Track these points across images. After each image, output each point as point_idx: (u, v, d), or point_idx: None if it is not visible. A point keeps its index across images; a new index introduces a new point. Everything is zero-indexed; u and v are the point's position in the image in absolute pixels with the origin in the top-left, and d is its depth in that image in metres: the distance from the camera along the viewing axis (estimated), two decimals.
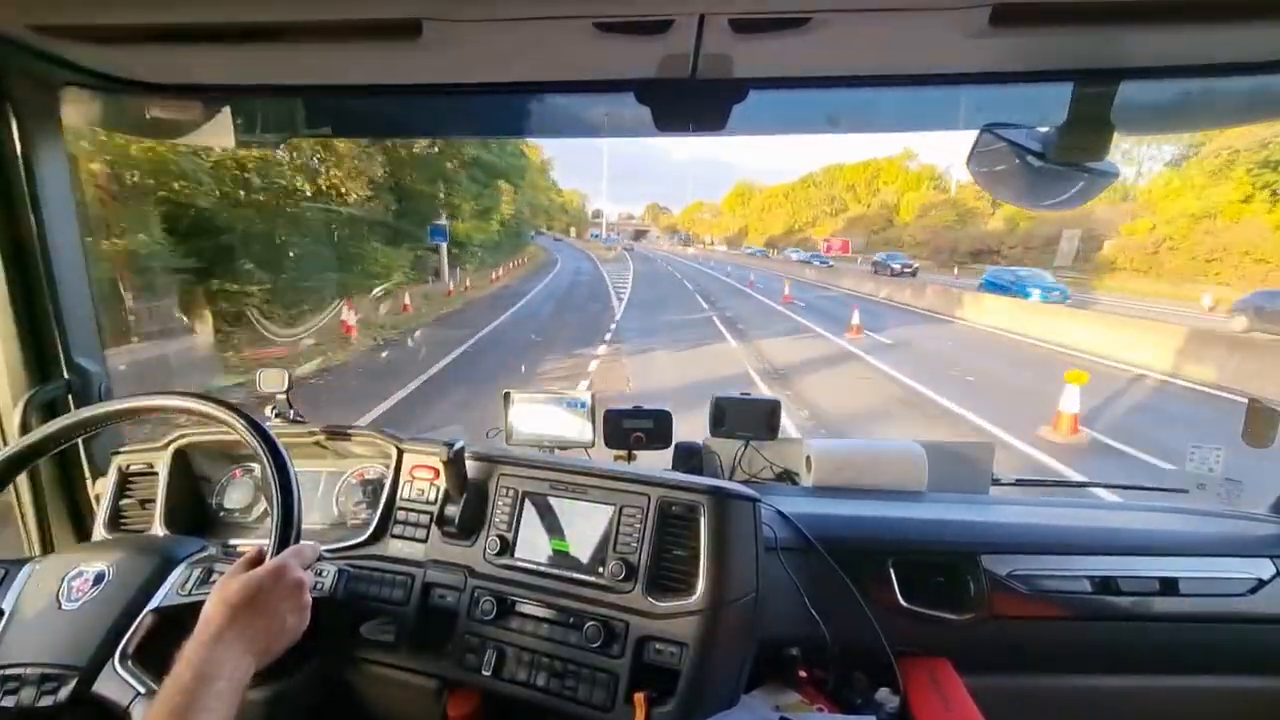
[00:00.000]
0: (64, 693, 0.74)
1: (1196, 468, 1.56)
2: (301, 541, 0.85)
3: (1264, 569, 1.21)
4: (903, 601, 1.16)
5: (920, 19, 0.86)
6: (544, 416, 1.51)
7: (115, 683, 0.75)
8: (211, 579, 0.86)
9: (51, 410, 1.24)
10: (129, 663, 0.77)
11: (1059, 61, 1.02)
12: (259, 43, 0.91)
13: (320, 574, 1.01)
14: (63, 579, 0.84)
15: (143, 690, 0.74)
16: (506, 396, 1.53)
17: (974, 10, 0.80)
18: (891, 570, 1.17)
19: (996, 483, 1.56)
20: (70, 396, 1.27)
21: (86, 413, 0.92)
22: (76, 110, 1.29)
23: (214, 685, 0.64)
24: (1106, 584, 1.18)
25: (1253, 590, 1.19)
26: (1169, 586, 1.19)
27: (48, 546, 1.30)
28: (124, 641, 0.78)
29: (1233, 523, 1.37)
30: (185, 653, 0.67)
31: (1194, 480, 1.55)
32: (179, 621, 0.77)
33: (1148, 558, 1.21)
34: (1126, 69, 1.01)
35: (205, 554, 0.92)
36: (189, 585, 0.86)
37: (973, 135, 1.19)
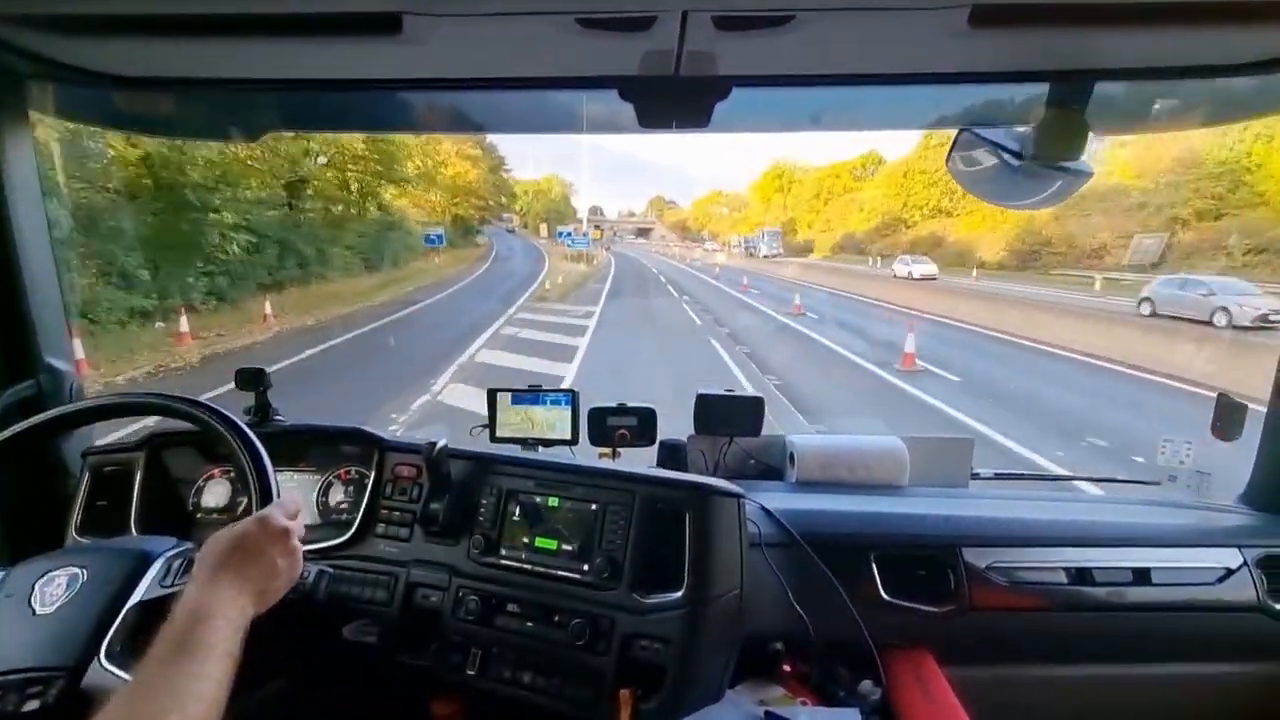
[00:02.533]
0: (52, 694, 0.72)
1: (1168, 461, 1.60)
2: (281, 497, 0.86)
3: (1232, 558, 1.24)
4: (884, 595, 1.17)
5: (901, 19, 0.87)
6: (528, 414, 1.51)
7: (105, 679, 0.73)
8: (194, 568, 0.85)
9: (21, 411, 1.20)
10: (118, 658, 0.75)
11: (1036, 62, 1.03)
12: (234, 35, 0.89)
13: (303, 575, 1.00)
14: (33, 585, 0.82)
15: None
16: (491, 394, 1.53)
17: (953, 11, 0.81)
18: (873, 564, 1.19)
19: (975, 477, 1.59)
20: (40, 396, 1.24)
21: (56, 412, 0.90)
22: (45, 104, 1.25)
23: (211, 623, 0.64)
24: (1082, 575, 1.21)
25: (1221, 579, 1.23)
26: (1142, 577, 1.21)
27: (17, 550, 1.26)
28: (109, 637, 0.77)
29: (1202, 514, 1.41)
30: (179, 600, 0.67)
31: (1166, 473, 1.59)
32: (165, 612, 0.76)
33: (1122, 549, 1.24)
34: (1102, 70, 1.03)
35: (183, 549, 0.91)
36: (170, 576, 0.84)
37: (952, 134, 1.20)
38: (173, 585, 0.83)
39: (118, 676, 0.74)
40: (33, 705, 0.72)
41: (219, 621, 0.65)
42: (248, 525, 0.76)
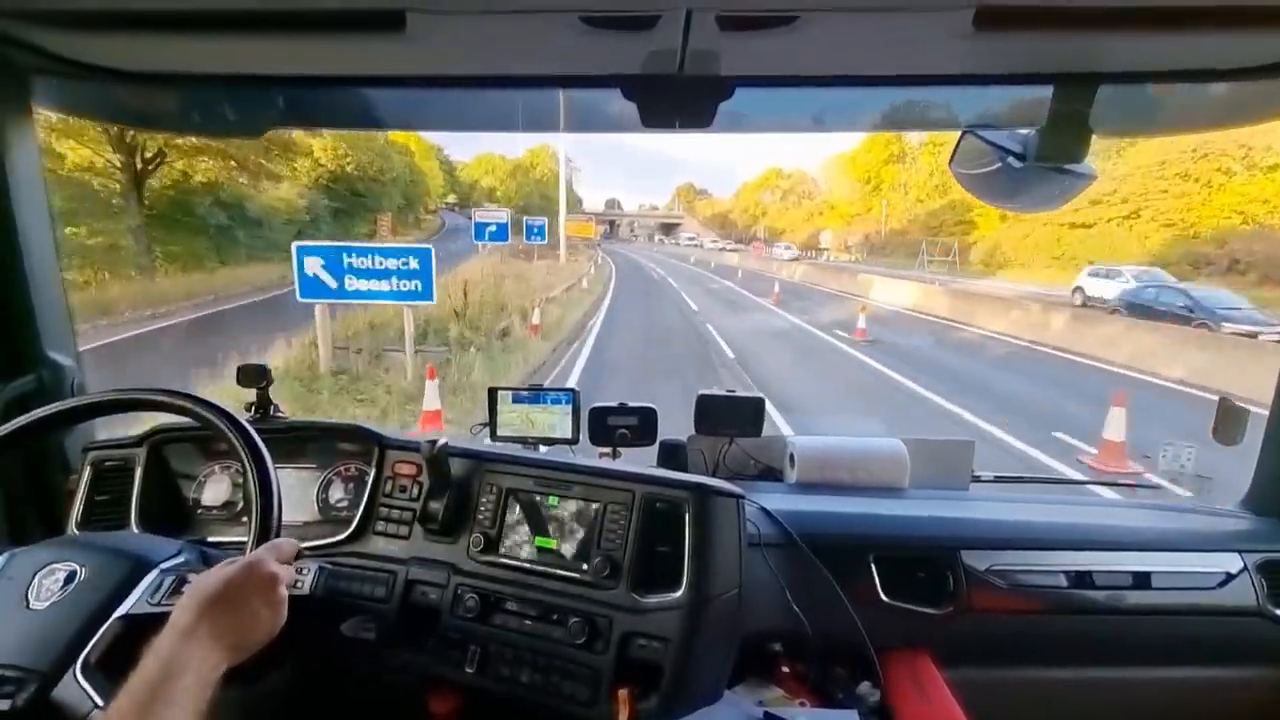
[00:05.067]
0: (22, 697, 0.72)
1: (1169, 464, 1.60)
2: (281, 537, 0.84)
3: (1232, 563, 1.24)
4: (883, 596, 1.17)
5: (905, 20, 0.87)
6: (528, 413, 1.51)
7: (75, 691, 0.73)
8: (184, 589, 0.84)
9: (22, 406, 1.20)
10: (91, 671, 0.75)
11: (1039, 65, 1.03)
12: (238, 31, 0.89)
13: (301, 571, 1.00)
14: (34, 576, 0.82)
15: (102, 702, 0.72)
16: (492, 393, 1.53)
17: (958, 13, 0.80)
18: (873, 565, 1.19)
19: (976, 479, 1.58)
20: (41, 391, 1.24)
21: (56, 408, 0.90)
22: (48, 98, 1.25)
23: (181, 679, 0.63)
24: (1082, 578, 1.21)
25: (1221, 584, 1.22)
26: (1142, 581, 1.21)
27: (18, 544, 1.27)
28: (88, 648, 0.77)
29: (1203, 518, 1.40)
30: (152, 647, 0.65)
31: (1167, 477, 1.59)
32: (146, 631, 0.76)
33: (1122, 552, 1.24)
34: (1105, 73, 1.03)
35: (180, 560, 0.91)
36: (160, 594, 0.84)
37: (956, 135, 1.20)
38: (160, 604, 0.83)
39: (85, 690, 0.73)
40: (3, 705, 0.71)
41: (189, 679, 0.63)
42: (235, 572, 0.74)
